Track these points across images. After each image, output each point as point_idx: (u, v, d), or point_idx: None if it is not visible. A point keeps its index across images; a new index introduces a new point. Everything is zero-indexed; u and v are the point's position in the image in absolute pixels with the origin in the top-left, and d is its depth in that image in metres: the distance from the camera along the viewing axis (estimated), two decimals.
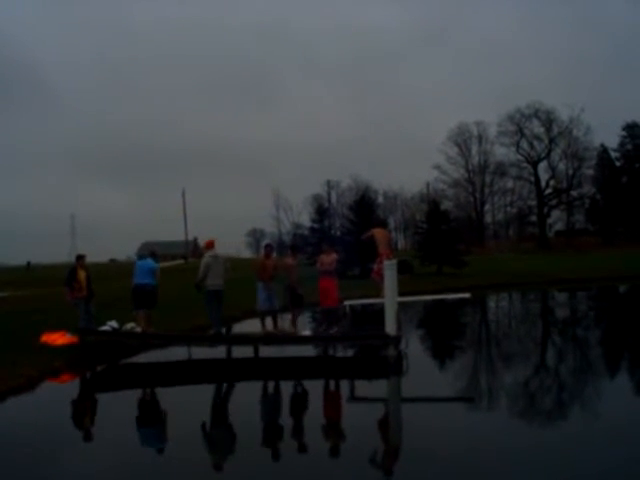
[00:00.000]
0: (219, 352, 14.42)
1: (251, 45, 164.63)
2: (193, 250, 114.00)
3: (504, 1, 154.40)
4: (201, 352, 14.94)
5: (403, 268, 25.04)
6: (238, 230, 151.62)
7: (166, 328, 16.40)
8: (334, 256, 15.05)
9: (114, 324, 14.87)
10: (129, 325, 15.04)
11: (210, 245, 14.75)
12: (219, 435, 9.04)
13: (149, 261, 15.18)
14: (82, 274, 15.16)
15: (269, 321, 15.00)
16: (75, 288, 14.99)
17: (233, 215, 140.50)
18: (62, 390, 12.47)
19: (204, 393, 11.85)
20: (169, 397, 11.60)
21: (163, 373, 13.77)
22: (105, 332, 14.69)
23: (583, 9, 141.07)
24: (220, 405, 10.99)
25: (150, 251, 15.89)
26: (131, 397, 11.75)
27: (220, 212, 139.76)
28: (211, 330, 14.62)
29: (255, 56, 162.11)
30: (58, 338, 14.50)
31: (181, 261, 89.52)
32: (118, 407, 10.88)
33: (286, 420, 9.73)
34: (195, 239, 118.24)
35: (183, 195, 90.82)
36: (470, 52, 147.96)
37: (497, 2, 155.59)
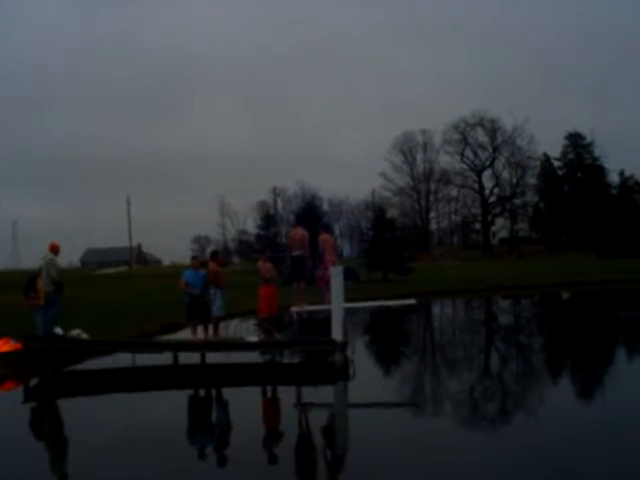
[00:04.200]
0: (166, 359, 14.31)
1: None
2: (137, 257, 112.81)
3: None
4: (146, 359, 14.80)
5: (349, 275, 25.25)
6: (183, 237, 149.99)
7: (112, 335, 16.23)
8: (270, 265, 15.34)
9: (59, 331, 14.65)
10: (75, 332, 14.84)
11: (52, 248, 14.97)
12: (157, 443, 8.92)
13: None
14: (41, 283, 14.95)
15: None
16: (31, 296, 14.80)
17: (178, 222, 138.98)
18: (2, 398, 12.28)
19: (148, 401, 11.80)
20: (112, 405, 11.49)
21: (107, 380, 13.62)
22: (50, 338, 14.45)
23: (528, 18, 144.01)
24: (161, 413, 10.84)
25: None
26: (71, 406, 11.61)
27: (164, 219, 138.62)
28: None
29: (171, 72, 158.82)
30: (1, 345, 14.22)
31: (125, 268, 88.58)
32: (57, 415, 10.74)
33: (233, 428, 9.74)
34: (139, 245, 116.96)
35: (128, 202, 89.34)
36: (418, 61, 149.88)
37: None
